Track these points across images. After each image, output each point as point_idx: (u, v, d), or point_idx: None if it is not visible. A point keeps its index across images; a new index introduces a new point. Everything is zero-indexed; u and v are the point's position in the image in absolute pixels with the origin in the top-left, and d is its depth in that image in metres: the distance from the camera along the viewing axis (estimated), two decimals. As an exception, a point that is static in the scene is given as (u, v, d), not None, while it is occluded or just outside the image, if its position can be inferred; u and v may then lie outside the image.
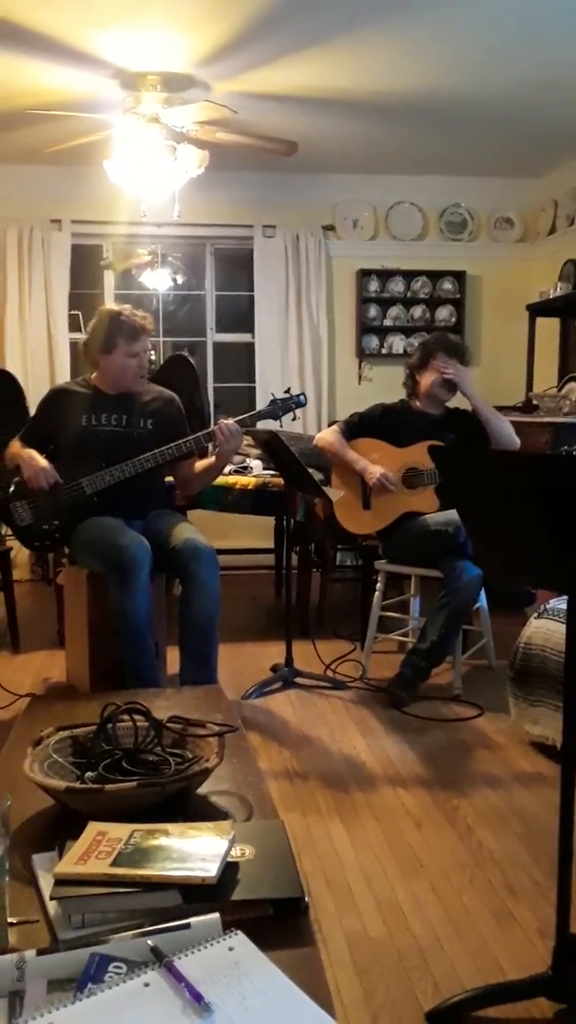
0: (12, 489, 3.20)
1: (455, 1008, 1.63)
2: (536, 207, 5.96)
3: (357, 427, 3.72)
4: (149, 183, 4.28)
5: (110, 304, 3.46)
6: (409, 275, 6.00)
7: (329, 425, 4.21)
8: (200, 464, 3.27)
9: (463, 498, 1.86)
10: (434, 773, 2.77)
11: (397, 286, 6.01)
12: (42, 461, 3.16)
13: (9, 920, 1.19)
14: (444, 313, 6.06)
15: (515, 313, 5.70)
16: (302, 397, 3.36)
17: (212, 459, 3.24)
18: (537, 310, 5.43)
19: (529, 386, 5.48)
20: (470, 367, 3.75)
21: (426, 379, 3.61)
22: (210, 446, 3.33)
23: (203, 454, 3.37)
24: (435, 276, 6.02)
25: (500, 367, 5.96)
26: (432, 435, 3.46)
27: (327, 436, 3.76)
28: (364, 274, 5.95)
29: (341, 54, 3.86)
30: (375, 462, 3.62)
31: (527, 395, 5.33)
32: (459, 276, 6.02)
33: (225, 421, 3.14)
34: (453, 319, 6.06)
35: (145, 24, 3.53)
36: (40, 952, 1.10)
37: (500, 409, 5.27)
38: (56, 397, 3.34)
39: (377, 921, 1.96)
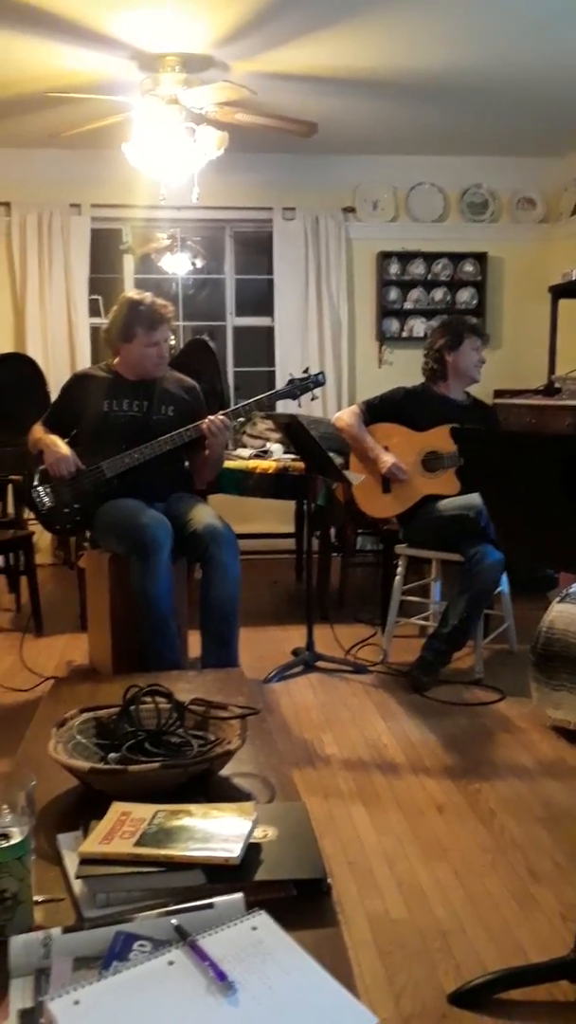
0: (37, 477, 3.22)
1: (477, 990, 1.63)
2: (558, 187, 5.88)
3: (378, 410, 3.70)
4: (168, 166, 4.26)
5: (131, 291, 3.44)
6: (430, 257, 5.95)
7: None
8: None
9: (486, 480, 1.84)
10: (455, 757, 2.76)
11: (418, 268, 5.96)
12: (64, 449, 3.16)
13: (35, 898, 1.20)
14: (465, 295, 6.00)
15: (537, 295, 5.63)
16: (321, 376, 3.35)
17: (207, 451, 3.24)
18: (559, 292, 5.35)
19: (551, 369, 5.42)
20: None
21: (463, 359, 3.59)
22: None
23: None
24: (456, 258, 5.96)
25: (522, 350, 5.91)
26: (457, 421, 3.42)
27: (346, 418, 3.72)
28: (384, 256, 5.90)
29: (361, 33, 3.81)
30: (395, 448, 3.59)
31: (549, 378, 5.28)
32: (480, 258, 5.96)
33: (213, 417, 3.15)
34: (475, 301, 6.00)
35: (163, 4, 3.50)
36: (66, 930, 1.11)
37: (521, 392, 5.24)
38: (78, 382, 3.35)
39: (399, 903, 1.96)
